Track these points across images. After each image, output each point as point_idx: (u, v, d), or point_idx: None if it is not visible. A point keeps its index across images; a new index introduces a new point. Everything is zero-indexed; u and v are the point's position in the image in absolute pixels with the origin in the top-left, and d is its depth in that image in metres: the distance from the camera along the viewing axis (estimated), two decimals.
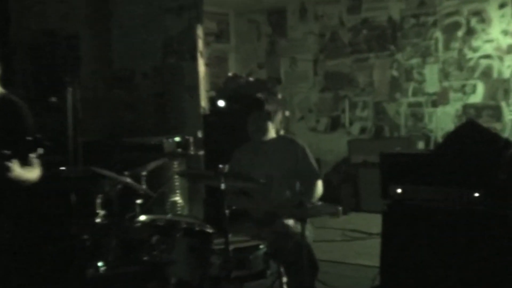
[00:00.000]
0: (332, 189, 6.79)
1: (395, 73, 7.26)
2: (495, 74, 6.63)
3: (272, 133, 3.78)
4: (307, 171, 3.67)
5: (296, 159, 3.64)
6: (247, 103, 4.91)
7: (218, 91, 5.99)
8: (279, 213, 3.33)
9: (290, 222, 3.47)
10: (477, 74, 6.72)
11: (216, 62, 7.75)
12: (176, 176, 5.51)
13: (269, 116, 3.75)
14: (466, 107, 6.80)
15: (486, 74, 6.67)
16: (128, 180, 3.73)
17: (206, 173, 3.49)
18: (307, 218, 2.93)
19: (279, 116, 3.85)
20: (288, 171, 3.64)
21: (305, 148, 3.74)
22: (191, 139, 5.90)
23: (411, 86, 7.15)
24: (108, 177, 3.63)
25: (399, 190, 3.74)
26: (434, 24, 6.94)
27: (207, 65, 7.34)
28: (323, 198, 3.72)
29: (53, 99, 4.60)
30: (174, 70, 7.06)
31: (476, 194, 3.27)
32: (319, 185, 3.73)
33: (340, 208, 3.02)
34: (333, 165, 7.56)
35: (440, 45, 6.92)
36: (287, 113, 5.90)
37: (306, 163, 3.68)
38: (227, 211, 2.91)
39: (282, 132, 3.86)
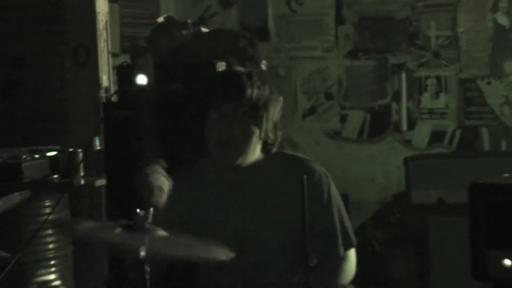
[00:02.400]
0: (373, 260, 6.84)
1: (502, 20, 7.37)
2: None
3: (256, 151, 3.80)
4: (331, 231, 3.70)
5: (313, 204, 3.65)
6: (198, 80, 4.96)
7: (137, 54, 6.02)
8: None
9: None
10: None
11: None
12: (49, 230, 5.51)
13: (255, 115, 3.75)
14: None
15: None
16: None
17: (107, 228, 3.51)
18: None
19: (273, 113, 3.86)
20: (292, 227, 3.66)
21: (330, 182, 3.78)
22: (79, 153, 5.92)
23: None
24: None
25: (508, 262, 3.81)
26: None
27: (115, 1, 7.35)
28: (357, 276, 3.79)
29: None
30: (45, 11, 7.08)
31: None
32: (352, 258, 3.78)
33: None
34: (375, 209, 7.62)
35: None
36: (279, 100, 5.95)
37: (330, 216, 3.72)
38: None
39: (276, 145, 3.87)
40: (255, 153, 3.73)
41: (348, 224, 3.77)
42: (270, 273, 3.65)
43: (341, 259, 3.73)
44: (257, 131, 3.67)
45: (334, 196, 3.76)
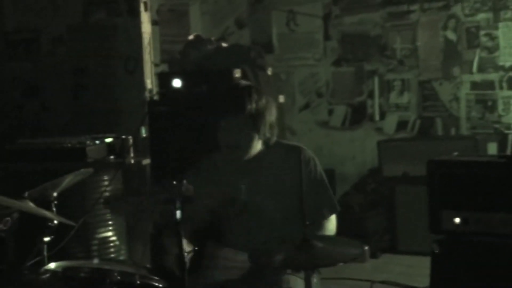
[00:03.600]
0: (354, 219, 6.81)
1: (451, 35, 7.32)
2: None
3: (257, 147, 3.73)
4: (319, 201, 3.63)
5: (307, 180, 3.59)
6: (219, 83, 4.92)
7: (173, 64, 5.97)
8: (273, 260, 3.32)
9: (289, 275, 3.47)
10: None
11: (170, 19, 7.75)
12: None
13: (255, 123, 3.67)
14: None
15: None
16: (29, 205, 3.71)
17: (153, 195, 3.45)
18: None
19: (269, 118, 3.77)
20: (288, 200, 3.60)
21: (317, 163, 3.72)
22: (130, 140, 5.88)
23: (476, 57, 7.21)
24: None
25: (457, 220, 3.78)
26: None
27: (156, 23, 7.32)
28: (339, 232, 3.73)
29: None
30: (102, 31, 7.04)
31: None
32: (333, 221, 3.73)
33: (366, 248, 3.03)
34: (355, 180, 7.59)
35: None
36: (281, 98, 5.91)
37: (317, 188, 3.66)
38: (187, 255, 2.91)
39: (273, 139, 3.78)
40: (257, 148, 3.68)
41: (332, 195, 3.72)
42: (268, 234, 3.58)
43: (327, 220, 3.68)
44: (256, 135, 3.62)
45: (321, 173, 3.70)
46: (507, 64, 7.08)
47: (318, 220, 3.59)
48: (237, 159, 3.66)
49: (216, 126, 3.65)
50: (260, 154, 3.69)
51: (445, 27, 7.33)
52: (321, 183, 3.69)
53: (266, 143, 3.70)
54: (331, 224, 3.71)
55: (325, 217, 3.66)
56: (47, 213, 3.79)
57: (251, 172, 3.68)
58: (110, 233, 5.53)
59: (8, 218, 3.80)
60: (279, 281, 3.44)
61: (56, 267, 3.34)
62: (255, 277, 3.44)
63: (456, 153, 4.46)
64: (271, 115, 3.65)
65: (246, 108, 3.53)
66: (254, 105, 3.55)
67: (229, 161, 3.72)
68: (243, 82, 3.91)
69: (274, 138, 3.70)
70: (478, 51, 7.19)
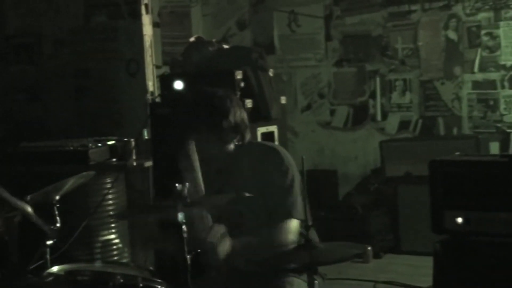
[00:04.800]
0: (357, 219, 6.81)
1: (452, 35, 7.31)
2: None
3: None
4: (276, 204, 3.53)
5: (265, 180, 3.54)
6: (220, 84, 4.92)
7: (174, 66, 5.97)
8: (275, 261, 3.32)
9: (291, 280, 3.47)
10: None
11: (172, 21, 7.74)
12: (110, 201, 5.49)
13: (236, 133, 3.64)
14: None
15: None
16: (29, 210, 3.72)
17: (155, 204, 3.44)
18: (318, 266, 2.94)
19: (244, 118, 3.75)
20: (261, 195, 3.57)
21: (283, 161, 3.64)
22: (132, 142, 5.88)
23: (477, 56, 7.20)
24: None
25: (459, 220, 3.77)
26: None
27: (157, 25, 7.32)
28: (342, 232, 3.71)
29: None
30: (103, 34, 7.04)
31: None
32: (291, 226, 3.63)
33: (369, 248, 3.04)
34: (358, 180, 7.59)
35: None
36: (283, 99, 5.91)
37: (277, 190, 3.55)
38: (189, 257, 2.91)
39: (248, 135, 3.75)
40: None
41: (294, 201, 3.63)
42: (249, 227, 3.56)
43: (284, 224, 3.58)
44: (231, 145, 3.61)
45: (288, 179, 3.57)
46: (509, 63, 7.07)
47: (275, 222, 3.50)
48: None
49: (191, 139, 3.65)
50: (235, 152, 3.66)
51: (446, 27, 7.33)
52: (285, 189, 3.56)
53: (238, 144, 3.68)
54: (288, 228, 3.60)
55: (280, 220, 3.57)
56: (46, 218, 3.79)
57: (228, 169, 3.66)
58: (112, 236, 5.54)
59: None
60: (283, 284, 3.43)
61: (59, 270, 3.34)
62: (258, 280, 3.43)
63: (458, 153, 4.46)
64: (245, 118, 3.64)
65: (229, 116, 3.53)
66: (232, 119, 3.54)
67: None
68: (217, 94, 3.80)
69: (248, 138, 3.69)
70: (479, 50, 7.19)
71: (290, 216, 3.53)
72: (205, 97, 3.65)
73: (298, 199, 3.52)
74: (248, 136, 3.67)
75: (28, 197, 3.82)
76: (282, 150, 3.68)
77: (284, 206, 3.52)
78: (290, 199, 3.54)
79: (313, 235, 3.47)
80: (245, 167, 3.62)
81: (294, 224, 3.53)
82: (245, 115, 3.63)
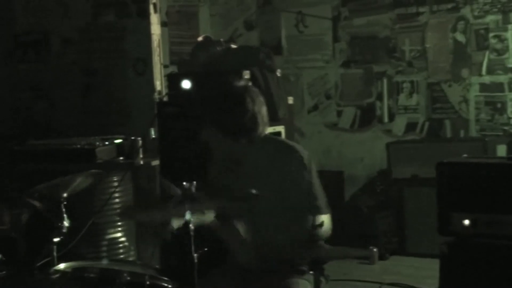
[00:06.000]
0: (363, 221, 6.81)
1: (460, 37, 7.31)
2: None
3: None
4: (302, 200, 3.51)
5: (288, 178, 3.53)
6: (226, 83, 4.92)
7: (182, 65, 5.98)
8: (282, 258, 3.33)
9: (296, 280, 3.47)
10: None
11: (179, 20, 7.75)
12: (117, 199, 5.50)
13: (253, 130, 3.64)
14: None
15: None
16: (38, 205, 3.73)
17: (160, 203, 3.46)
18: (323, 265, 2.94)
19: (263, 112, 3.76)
20: (282, 194, 3.57)
21: (303, 159, 3.64)
22: (139, 141, 5.89)
23: (485, 59, 7.20)
24: (7, 203, 3.62)
25: (466, 222, 3.77)
26: None
27: (165, 24, 7.33)
28: (348, 234, 3.72)
29: None
30: (111, 32, 7.05)
31: None
32: (326, 222, 3.63)
33: (375, 250, 3.04)
34: (364, 182, 7.59)
35: None
36: (290, 100, 5.91)
37: (301, 187, 3.54)
38: (195, 255, 2.91)
39: (264, 130, 3.74)
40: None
41: (322, 197, 3.62)
42: (266, 223, 3.54)
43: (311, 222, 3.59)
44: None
45: (309, 170, 3.57)
46: None
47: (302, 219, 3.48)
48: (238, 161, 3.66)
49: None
50: (261, 140, 3.64)
51: (454, 29, 7.32)
52: (304, 179, 3.56)
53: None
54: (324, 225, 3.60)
55: (311, 216, 3.56)
56: (57, 214, 3.80)
57: (243, 163, 3.65)
58: (119, 234, 5.55)
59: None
60: (287, 285, 3.44)
61: (66, 267, 3.35)
62: (263, 280, 3.44)
63: (465, 155, 4.46)
64: (263, 111, 3.63)
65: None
66: (250, 109, 3.54)
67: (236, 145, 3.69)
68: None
69: (267, 129, 3.68)
70: (487, 53, 7.18)
71: (319, 212, 3.55)
72: (225, 87, 3.66)
73: (322, 195, 3.57)
74: (264, 130, 3.66)
75: (34, 195, 3.83)
76: (299, 146, 3.67)
77: (311, 202, 3.53)
78: (316, 195, 3.56)
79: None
80: (260, 162, 3.61)
81: (325, 220, 3.54)
82: (264, 109, 3.62)
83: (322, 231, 3.51)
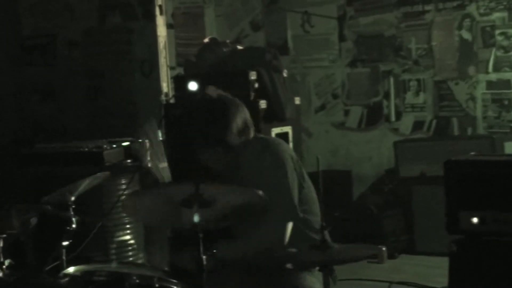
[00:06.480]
0: (371, 220, 6.80)
1: (466, 35, 7.30)
2: None
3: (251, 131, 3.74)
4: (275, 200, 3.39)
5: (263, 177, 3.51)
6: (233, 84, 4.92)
7: (188, 67, 5.98)
8: (291, 259, 3.32)
9: (304, 276, 3.47)
10: None
11: (185, 22, 7.76)
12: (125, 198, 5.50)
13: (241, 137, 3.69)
14: None
15: None
16: (49, 208, 3.73)
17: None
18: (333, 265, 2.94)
19: (246, 119, 3.77)
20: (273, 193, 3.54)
21: (277, 154, 3.63)
22: (146, 143, 5.89)
23: (492, 56, 7.19)
24: (15, 206, 3.62)
25: (475, 220, 3.76)
26: None
27: (171, 26, 7.33)
28: (357, 233, 3.72)
29: None
30: (117, 35, 7.06)
31: None
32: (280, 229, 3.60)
33: (383, 248, 3.04)
34: (372, 181, 7.59)
35: None
36: (297, 100, 5.91)
37: (271, 186, 3.46)
38: (204, 257, 2.91)
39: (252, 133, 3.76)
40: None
41: (293, 199, 3.58)
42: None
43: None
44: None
45: (283, 171, 3.57)
46: None
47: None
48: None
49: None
50: (250, 142, 3.68)
51: (460, 27, 7.32)
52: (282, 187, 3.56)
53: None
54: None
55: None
56: (65, 216, 3.81)
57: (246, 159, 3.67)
58: (128, 237, 5.55)
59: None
60: (296, 281, 3.44)
61: (75, 271, 3.35)
62: (271, 276, 3.44)
63: (473, 153, 4.45)
64: (247, 118, 3.67)
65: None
66: (235, 128, 3.58)
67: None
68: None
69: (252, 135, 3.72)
70: (493, 50, 7.18)
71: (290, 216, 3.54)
72: (206, 111, 3.69)
73: (294, 199, 3.53)
74: (252, 134, 3.70)
75: (43, 199, 3.83)
76: (277, 143, 3.71)
77: (283, 205, 3.50)
78: (288, 198, 3.53)
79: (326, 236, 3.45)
80: (245, 164, 3.64)
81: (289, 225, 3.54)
82: (247, 115, 3.67)
83: (270, 238, 3.48)
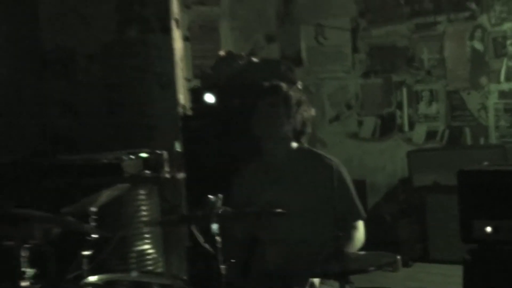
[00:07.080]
0: (385, 229, 6.80)
1: (478, 45, 7.30)
2: None
3: (291, 141, 3.79)
4: (344, 208, 3.58)
5: (328, 187, 3.61)
6: (250, 96, 4.95)
7: (205, 79, 6.01)
8: (307, 268, 3.34)
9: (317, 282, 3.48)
10: None
11: (201, 35, 7.79)
12: (144, 212, 5.52)
13: (289, 105, 3.75)
14: None
15: None
16: (70, 219, 3.76)
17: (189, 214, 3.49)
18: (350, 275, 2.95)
19: (303, 113, 3.85)
20: (316, 203, 3.64)
21: (342, 172, 3.74)
22: (164, 154, 5.92)
23: (504, 66, 7.19)
24: (37, 217, 3.66)
25: (489, 229, 3.76)
26: None
27: (187, 39, 7.37)
28: (371, 242, 3.74)
29: None
30: (135, 48, 7.10)
31: None
32: (361, 229, 3.74)
33: (398, 257, 3.05)
34: (386, 190, 7.59)
35: None
36: (312, 111, 5.93)
37: (343, 196, 3.66)
38: (223, 267, 2.93)
39: (305, 144, 3.86)
40: (290, 143, 3.73)
41: (360, 205, 3.75)
42: (298, 235, 3.60)
43: (354, 229, 3.69)
44: (290, 124, 3.73)
45: (348, 182, 3.79)
46: None
47: (344, 226, 3.58)
48: (270, 139, 3.72)
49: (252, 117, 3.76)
50: (292, 152, 3.74)
51: (471, 37, 7.31)
52: (346, 190, 3.73)
53: (299, 143, 3.77)
54: (359, 235, 3.72)
55: (352, 223, 3.66)
56: (86, 228, 3.84)
57: (277, 173, 3.72)
58: (147, 246, 5.56)
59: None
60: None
61: (96, 280, 3.38)
62: (287, 283, 3.46)
63: (486, 163, 4.46)
64: (304, 111, 3.76)
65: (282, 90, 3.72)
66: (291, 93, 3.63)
67: (259, 165, 3.78)
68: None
69: (306, 143, 3.80)
70: (505, 60, 7.17)
71: (359, 217, 3.77)
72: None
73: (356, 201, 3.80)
74: (305, 140, 3.78)
75: (64, 210, 3.86)
76: (328, 155, 3.84)
77: (351, 208, 3.72)
78: (352, 200, 3.76)
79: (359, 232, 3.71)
80: (294, 173, 3.72)
81: (361, 226, 3.77)
82: (302, 109, 3.75)
83: (358, 239, 3.58)
